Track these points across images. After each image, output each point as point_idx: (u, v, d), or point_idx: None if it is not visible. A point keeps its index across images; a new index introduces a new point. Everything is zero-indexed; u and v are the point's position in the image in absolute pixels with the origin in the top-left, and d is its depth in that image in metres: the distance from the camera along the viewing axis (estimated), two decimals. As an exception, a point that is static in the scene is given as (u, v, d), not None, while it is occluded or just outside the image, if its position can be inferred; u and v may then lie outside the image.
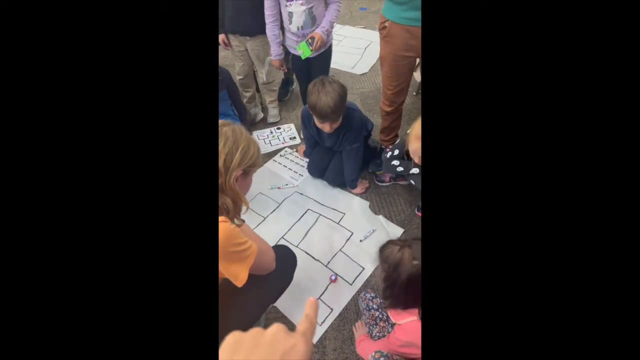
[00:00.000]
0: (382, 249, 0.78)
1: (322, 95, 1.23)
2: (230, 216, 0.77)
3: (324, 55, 1.59)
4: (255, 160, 0.80)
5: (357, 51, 2.57)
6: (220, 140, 0.73)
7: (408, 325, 0.79)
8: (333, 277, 1.24)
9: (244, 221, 0.82)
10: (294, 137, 1.86)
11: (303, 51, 1.47)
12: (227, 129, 0.75)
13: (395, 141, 1.53)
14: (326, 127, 1.33)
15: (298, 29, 1.47)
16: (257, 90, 2.01)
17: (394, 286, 0.75)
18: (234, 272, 0.74)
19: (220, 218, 0.71)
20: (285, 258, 0.97)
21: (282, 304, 1.11)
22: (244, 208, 0.82)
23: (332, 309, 1.15)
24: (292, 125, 1.95)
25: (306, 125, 1.51)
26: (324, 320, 1.12)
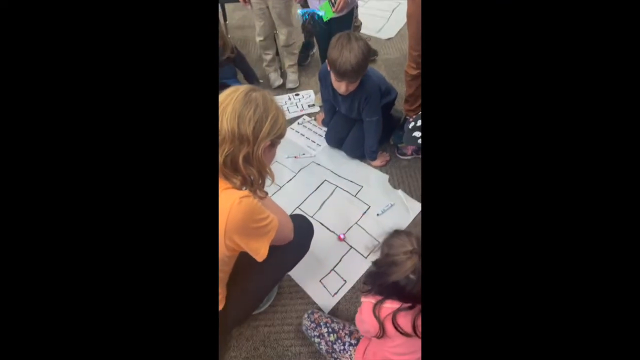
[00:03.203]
0: (394, 235, 0.74)
1: (345, 51, 1.14)
2: (254, 188, 0.74)
3: (347, 17, 1.48)
4: (283, 131, 0.75)
5: (383, 14, 2.40)
6: (249, 106, 0.68)
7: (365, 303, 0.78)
8: (342, 236, 1.24)
9: (267, 194, 0.79)
10: (313, 105, 1.79)
11: (325, 12, 1.37)
12: (257, 95, 0.70)
13: (420, 111, 1.44)
14: (342, 87, 1.25)
15: None
16: (277, 53, 1.91)
17: (377, 276, 0.73)
18: (255, 247, 0.72)
19: (243, 192, 0.68)
20: (302, 228, 0.95)
21: (295, 272, 1.11)
22: (268, 181, 0.78)
23: (345, 280, 1.14)
24: (311, 92, 1.86)
25: (323, 84, 1.43)
26: (337, 292, 1.11)
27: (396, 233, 0.75)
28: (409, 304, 0.72)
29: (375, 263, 0.77)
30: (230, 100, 0.68)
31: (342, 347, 0.92)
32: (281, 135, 0.75)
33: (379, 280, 0.73)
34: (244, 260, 0.82)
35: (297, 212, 1.34)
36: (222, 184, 0.69)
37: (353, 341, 0.92)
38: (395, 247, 0.71)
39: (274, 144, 0.75)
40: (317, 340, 0.95)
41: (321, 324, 0.96)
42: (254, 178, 0.73)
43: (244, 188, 0.72)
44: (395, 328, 0.73)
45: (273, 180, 0.77)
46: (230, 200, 0.65)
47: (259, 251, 0.72)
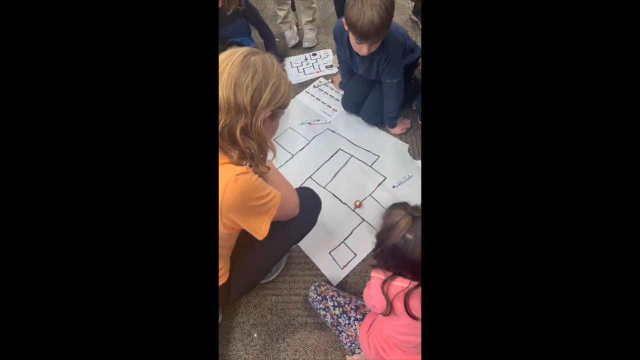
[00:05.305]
0: (392, 207, 0.74)
1: (367, 9, 1.00)
2: (255, 162, 0.69)
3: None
4: (286, 101, 0.68)
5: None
6: (246, 72, 0.61)
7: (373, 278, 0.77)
8: (358, 203, 1.22)
9: (269, 169, 0.74)
10: (331, 66, 1.67)
11: None
12: (256, 59, 0.62)
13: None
14: (363, 49, 1.11)
15: None
16: (293, 8, 1.76)
17: (379, 246, 0.73)
18: (254, 226, 0.69)
19: (241, 169, 0.64)
20: (309, 202, 0.91)
21: (304, 243, 1.09)
22: (270, 154, 0.73)
23: (355, 254, 1.12)
24: (329, 51, 1.73)
25: (339, 43, 1.29)
26: (346, 265, 1.09)
27: (394, 205, 0.74)
28: (417, 282, 0.71)
29: (377, 235, 0.76)
30: (227, 65, 0.61)
31: (347, 321, 0.92)
32: (283, 106, 0.68)
33: (381, 249, 0.73)
34: (247, 233, 0.80)
35: (309, 182, 1.30)
36: (219, 159, 0.65)
37: (359, 316, 0.91)
38: (392, 213, 0.71)
39: (275, 115, 0.69)
40: (322, 312, 0.95)
41: (327, 297, 0.95)
42: (254, 152, 0.68)
43: (243, 163, 0.68)
44: (406, 309, 0.71)
45: (275, 155, 0.71)
46: (226, 178, 0.61)
47: (259, 230, 0.69)
